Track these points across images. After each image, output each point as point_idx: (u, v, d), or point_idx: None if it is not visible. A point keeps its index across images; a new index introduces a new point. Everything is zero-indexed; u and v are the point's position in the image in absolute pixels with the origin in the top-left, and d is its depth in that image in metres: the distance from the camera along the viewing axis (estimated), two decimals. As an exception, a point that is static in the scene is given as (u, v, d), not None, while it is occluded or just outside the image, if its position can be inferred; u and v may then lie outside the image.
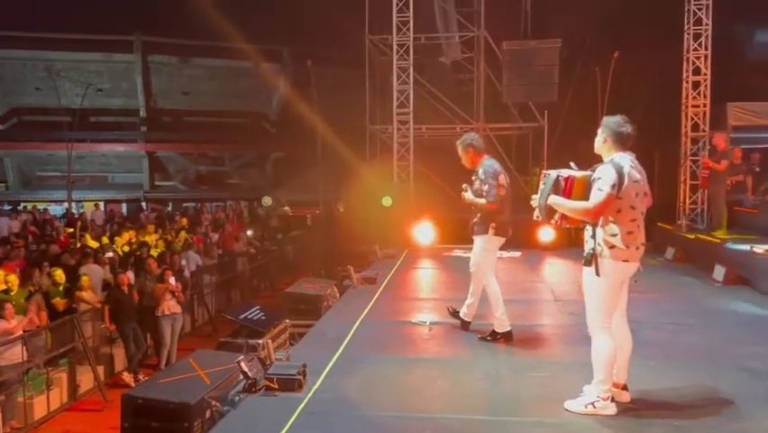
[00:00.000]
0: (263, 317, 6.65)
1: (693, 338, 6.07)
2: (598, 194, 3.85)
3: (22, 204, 28.10)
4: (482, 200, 5.56)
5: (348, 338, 5.88)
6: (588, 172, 4.00)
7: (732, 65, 13.65)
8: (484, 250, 5.80)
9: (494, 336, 5.78)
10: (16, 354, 7.68)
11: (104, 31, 29.93)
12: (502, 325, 5.77)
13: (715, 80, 12.79)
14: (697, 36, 12.88)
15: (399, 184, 13.26)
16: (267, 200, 16.73)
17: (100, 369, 9.19)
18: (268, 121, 34.82)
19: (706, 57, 12.84)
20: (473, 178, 5.72)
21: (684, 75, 13.06)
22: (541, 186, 4.16)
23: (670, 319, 6.76)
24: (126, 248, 13.56)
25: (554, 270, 10.39)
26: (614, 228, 3.91)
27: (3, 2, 28.15)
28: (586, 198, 3.91)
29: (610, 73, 15.33)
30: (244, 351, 5.70)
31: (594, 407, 4.04)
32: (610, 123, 4.01)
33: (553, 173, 4.08)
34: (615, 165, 3.88)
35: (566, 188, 3.98)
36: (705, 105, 12.90)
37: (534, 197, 4.21)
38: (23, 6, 28.52)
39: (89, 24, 28.90)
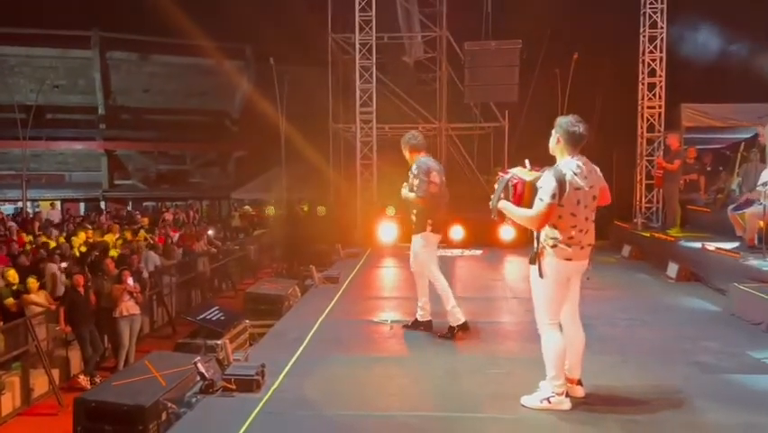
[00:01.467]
0: (222, 318, 6.58)
1: (647, 334, 6.22)
2: (538, 204, 3.88)
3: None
4: (412, 194, 5.63)
5: (308, 338, 5.86)
6: (538, 174, 4.01)
7: (686, 67, 14.00)
8: (423, 247, 5.86)
9: (451, 331, 5.83)
10: (-35, 357, 7.44)
11: (59, 25, 29.18)
12: (456, 317, 5.84)
13: (669, 82, 13.12)
14: (652, 39, 13.20)
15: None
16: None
17: (55, 372, 8.95)
18: (230, 119, 34.46)
19: (661, 59, 13.17)
20: (409, 174, 5.78)
21: (640, 77, 13.38)
22: (495, 187, 4.20)
23: (624, 315, 6.91)
24: (83, 248, 13.27)
25: (514, 267, 10.52)
26: (554, 232, 3.95)
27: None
28: (533, 201, 3.95)
29: (570, 75, 15.61)
30: (203, 352, 5.64)
31: (549, 402, 4.11)
32: (563, 122, 4.00)
33: (506, 176, 4.11)
34: (556, 174, 3.87)
35: (515, 193, 4.01)
36: (660, 107, 13.23)
37: (491, 197, 4.24)
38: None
39: (44, 19, 28.13)
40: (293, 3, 19.70)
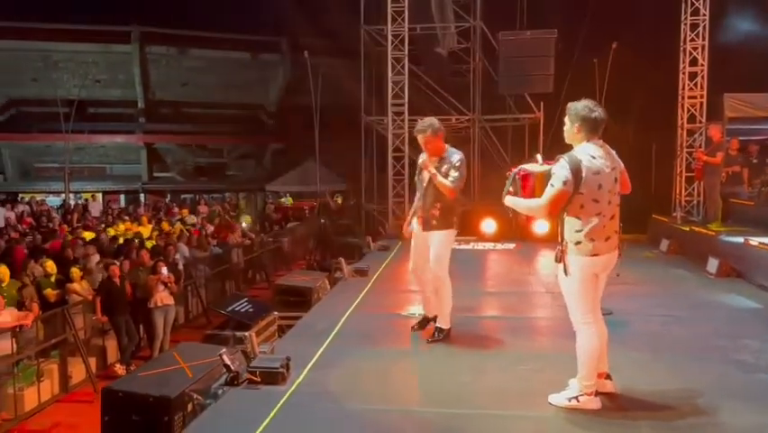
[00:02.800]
0: (251, 310, 6.62)
1: (682, 331, 6.04)
2: (548, 190, 3.75)
3: (21, 195, 28.07)
4: (447, 181, 5.17)
5: (335, 331, 5.85)
6: (551, 166, 3.86)
7: (730, 55, 13.55)
8: (449, 245, 5.43)
9: (441, 333, 5.49)
10: (6, 345, 7.65)
11: (101, 21, 29.82)
12: (448, 321, 5.52)
13: (711, 71, 12.71)
14: (694, 26, 12.79)
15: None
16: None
17: (92, 361, 9.16)
18: (266, 112, 34.78)
19: (703, 47, 12.75)
20: (430, 162, 5.29)
21: (681, 66, 12.98)
22: (507, 183, 4.09)
23: (660, 312, 6.72)
24: (121, 240, 13.54)
25: (548, 262, 10.32)
26: (577, 223, 3.80)
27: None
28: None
29: (608, 64, 15.27)
30: (231, 343, 5.67)
31: (578, 401, 4.00)
32: (579, 110, 3.79)
33: (515, 171, 4.01)
34: (570, 160, 3.71)
35: (525, 187, 3.92)
36: (702, 97, 12.82)
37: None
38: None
39: (86, 15, 28.79)
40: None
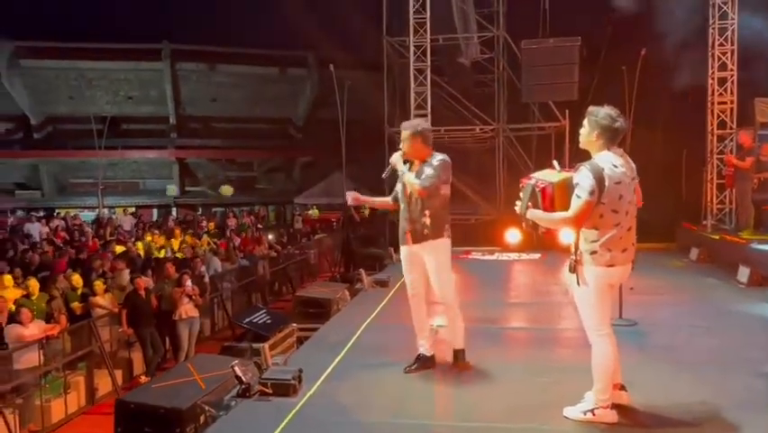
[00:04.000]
0: (269, 321, 6.63)
1: (709, 341, 5.85)
2: (576, 201, 3.61)
3: (57, 210, 28.78)
4: (416, 181, 4.63)
5: (351, 343, 5.82)
6: (569, 174, 3.74)
7: (760, 59, 13.22)
8: (448, 258, 4.85)
9: (463, 355, 5.04)
10: (33, 357, 7.79)
11: (132, 39, 30.56)
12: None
13: (741, 76, 12.42)
14: (722, 31, 12.54)
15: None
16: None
17: (118, 373, 9.28)
18: (294, 126, 35.12)
19: (732, 52, 12.49)
20: (406, 165, 4.81)
21: (710, 71, 12.72)
22: (520, 195, 3.90)
23: (687, 322, 6.55)
24: (155, 253, 13.78)
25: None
26: (594, 233, 3.69)
27: (36, 14, 28.97)
28: (569, 202, 3.67)
29: (637, 71, 15.02)
30: (248, 355, 5.68)
31: (593, 414, 3.89)
32: (601, 117, 3.67)
33: (531, 182, 3.81)
34: (593, 169, 3.60)
35: (545, 198, 3.73)
36: (732, 102, 12.53)
37: (517, 205, 3.93)
38: (56, 18, 29.28)
39: (119, 34, 29.53)
40: (350, 8, 19.87)
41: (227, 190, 17.19)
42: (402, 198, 4.88)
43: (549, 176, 3.82)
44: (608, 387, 3.88)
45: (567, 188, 3.68)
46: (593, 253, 3.70)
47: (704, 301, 7.70)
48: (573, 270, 3.79)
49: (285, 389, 4.41)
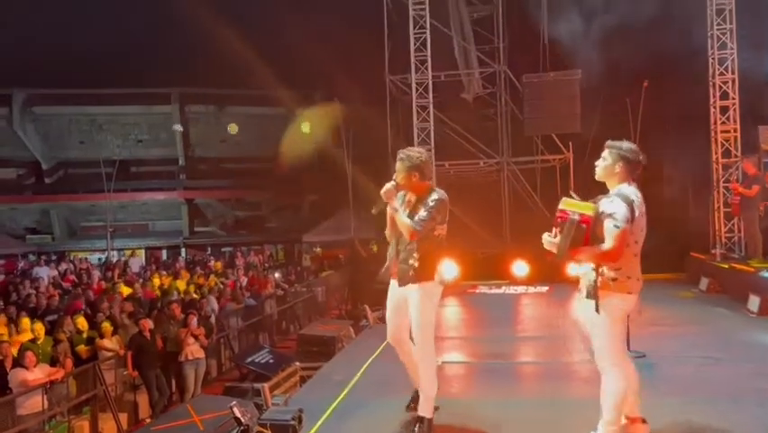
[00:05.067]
0: (271, 361, 6.57)
1: (719, 372, 5.75)
2: (613, 231, 3.60)
3: (67, 253, 28.95)
4: (408, 220, 4.18)
5: (354, 381, 5.76)
6: (593, 204, 3.73)
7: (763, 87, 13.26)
8: (433, 304, 4.33)
9: (422, 425, 4.35)
10: (37, 402, 7.74)
11: (143, 84, 31.14)
12: (431, 409, 4.42)
13: (744, 104, 12.45)
14: (722, 61, 12.61)
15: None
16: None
17: (124, 416, 9.17)
18: (302, 164, 35.35)
19: (733, 81, 12.54)
20: (405, 198, 4.36)
21: (711, 100, 12.76)
22: (557, 229, 3.76)
23: (696, 353, 6.42)
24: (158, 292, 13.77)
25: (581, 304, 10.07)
26: (617, 262, 3.70)
27: (51, 63, 29.68)
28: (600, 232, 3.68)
29: (641, 103, 15.08)
30: (250, 395, 5.62)
31: None
32: (625, 150, 3.76)
33: (573, 216, 3.68)
34: (625, 199, 3.65)
35: (587, 236, 3.66)
36: (735, 131, 12.53)
37: (549, 240, 3.79)
38: (67, 65, 29.92)
39: (129, 78, 30.10)
40: (355, 48, 20.20)
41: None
42: (390, 233, 4.42)
43: (582, 208, 3.73)
44: (619, 418, 3.82)
45: (597, 218, 3.69)
46: (614, 280, 3.71)
47: (714, 331, 7.57)
48: (592, 295, 3.74)
49: (284, 430, 4.37)
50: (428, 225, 4.18)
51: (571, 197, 3.89)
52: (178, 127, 29.47)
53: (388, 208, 4.30)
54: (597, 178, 3.89)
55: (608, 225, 3.60)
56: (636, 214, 3.66)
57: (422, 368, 4.34)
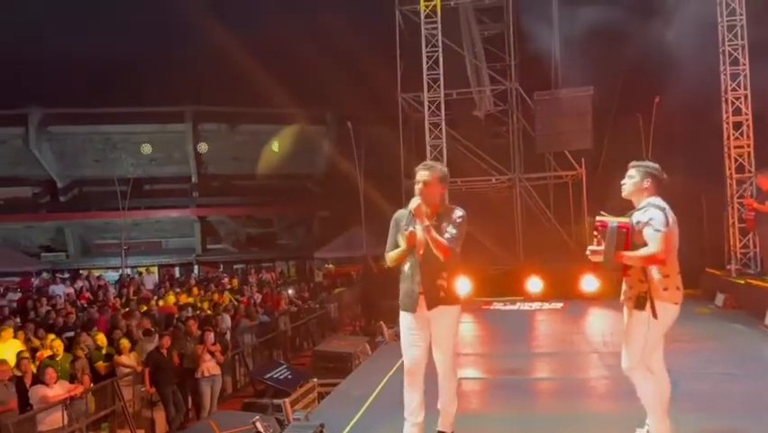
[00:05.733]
0: (289, 377, 6.62)
1: (736, 388, 5.74)
2: (656, 235, 3.73)
3: (82, 271, 29.17)
4: (444, 240, 3.98)
5: (372, 397, 5.79)
6: (625, 218, 3.88)
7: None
8: (459, 327, 4.36)
9: None
10: (57, 418, 7.82)
11: (156, 103, 31.53)
12: (453, 423, 4.39)
13: (758, 119, 12.46)
14: (734, 76, 12.64)
15: None
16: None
17: (140, 432, 9.25)
18: (312, 181, 35.58)
19: (746, 96, 12.56)
20: (435, 221, 4.08)
21: (724, 116, 12.77)
22: (597, 239, 3.90)
23: (713, 369, 6.41)
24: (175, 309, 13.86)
25: (596, 321, 10.09)
26: (664, 270, 3.82)
27: (65, 82, 30.15)
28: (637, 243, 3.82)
29: (652, 119, 15.15)
30: (269, 411, 5.68)
31: None
32: (651, 167, 3.98)
33: (612, 224, 3.82)
34: (659, 207, 3.83)
35: (627, 240, 3.80)
36: (749, 146, 12.53)
37: (594, 248, 3.89)
38: (82, 85, 30.38)
39: (143, 97, 30.49)
40: (367, 67, 20.42)
41: (203, 147, 17.45)
42: (410, 256, 4.13)
43: (616, 219, 3.88)
44: (664, 416, 3.94)
45: (634, 229, 3.83)
46: (665, 289, 3.82)
47: (730, 348, 7.55)
48: (643, 306, 3.82)
49: (306, 444, 4.40)
50: (459, 243, 4.06)
51: (601, 215, 4.01)
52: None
53: (411, 229, 4.03)
54: (624, 195, 4.05)
55: (648, 232, 3.76)
56: (670, 221, 3.79)
57: (447, 387, 4.25)
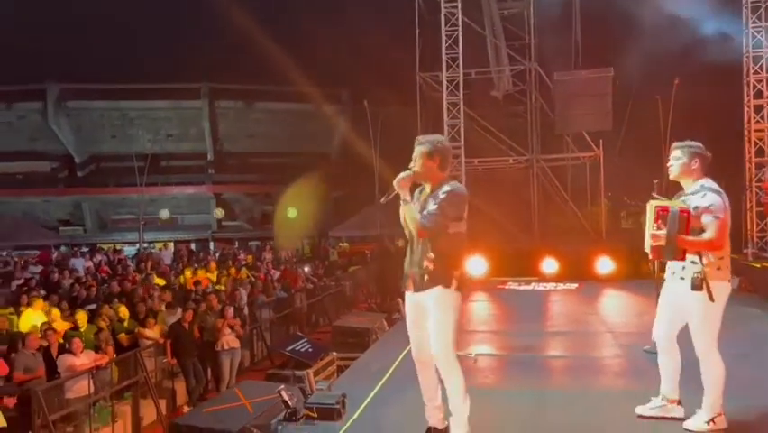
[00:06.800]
0: (310, 350, 6.79)
1: (748, 370, 5.78)
2: (715, 222, 3.76)
3: (99, 246, 29.56)
4: (417, 216, 3.60)
5: (391, 370, 5.93)
6: (679, 202, 3.89)
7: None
8: (452, 312, 3.69)
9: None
10: (84, 387, 8.05)
11: (173, 79, 31.66)
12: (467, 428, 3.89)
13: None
14: (757, 59, 12.54)
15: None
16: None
17: (162, 402, 9.48)
18: (328, 160, 35.68)
19: (767, 80, 12.47)
20: (422, 196, 3.78)
21: (745, 99, 12.70)
22: (652, 223, 3.89)
23: (725, 351, 6.46)
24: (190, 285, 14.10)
25: (611, 301, 10.16)
26: (720, 251, 3.87)
27: (82, 57, 30.31)
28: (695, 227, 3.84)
29: (672, 100, 15.05)
30: (291, 382, 5.83)
31: (714, 423, 4.06)
32: (695, 147, 3.93)
33: (674, 209, 3.83)
34: (716, 191, 3.83)
35: (687, 225, 3.81)
36: (769, 129, 12.48)
37: (655, 233, 3.87)
38: (100, 60, 30.54)
39: (160, 74, 30.63)
40: (384, 45, 20.36)
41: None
42: (407, 233, 3.82)
43: (672, 203, 3.91)
44: (720, 403, 4.07)
45: (692, 214, 3.84)
46: (719, 269, 3.88)
47: (744, 330, 7.54)
48: (700, 287, 3.84)
49: (330, 413, 4.55)
50: (438, 221, 3.59)
51: (654, 198, 4.07)
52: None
53: (402, 201, 3.67)
54: (672, 177, 4.04)
55: (708, 219, 3.77)
56: (727, 204, 3.81)
57: (447, 389, 3.80)
